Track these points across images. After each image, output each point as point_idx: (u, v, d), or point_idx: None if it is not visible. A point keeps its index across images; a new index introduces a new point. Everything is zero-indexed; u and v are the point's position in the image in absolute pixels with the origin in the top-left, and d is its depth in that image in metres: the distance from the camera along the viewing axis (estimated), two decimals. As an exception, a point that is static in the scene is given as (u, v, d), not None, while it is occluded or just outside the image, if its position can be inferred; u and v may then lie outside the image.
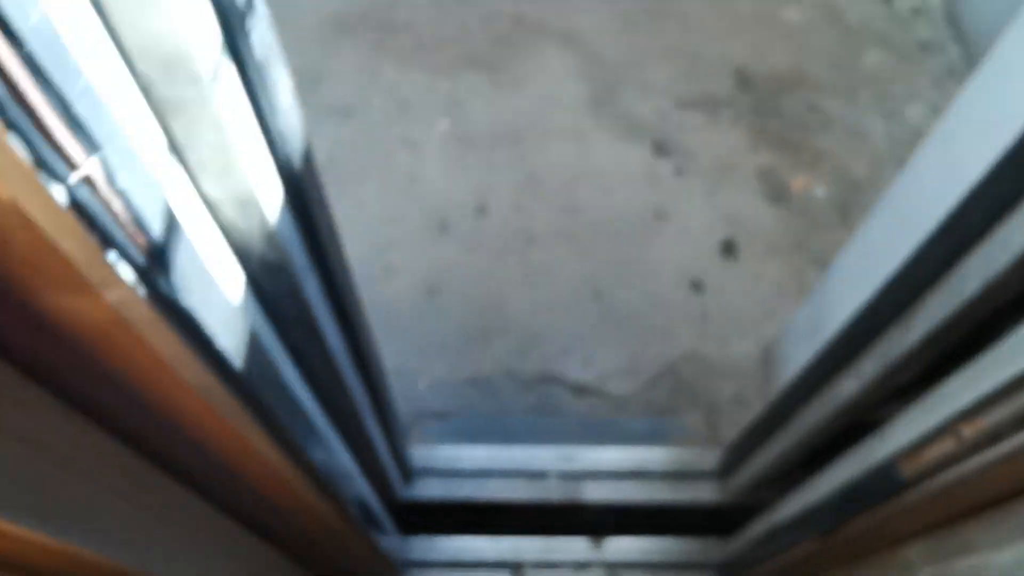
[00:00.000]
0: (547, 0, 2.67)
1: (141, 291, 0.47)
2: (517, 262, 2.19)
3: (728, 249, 2.22)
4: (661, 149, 2.38)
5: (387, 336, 2.07)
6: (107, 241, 0.44)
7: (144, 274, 0.48)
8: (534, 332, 2.10)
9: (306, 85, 2.46)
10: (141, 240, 0.47)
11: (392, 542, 1.69)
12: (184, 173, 0.61)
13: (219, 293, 0.63)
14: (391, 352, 2.05)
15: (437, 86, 2.49)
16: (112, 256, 0.44)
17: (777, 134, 2.43)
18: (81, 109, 0.42)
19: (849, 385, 1.14)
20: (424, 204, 2.27)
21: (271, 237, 0.71)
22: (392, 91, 2.47)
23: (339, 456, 1.15)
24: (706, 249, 2.22)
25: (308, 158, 0.78)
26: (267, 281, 0.77)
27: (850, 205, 2.29)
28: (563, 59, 2.56)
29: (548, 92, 2.49)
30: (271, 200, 0.70)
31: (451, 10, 2.65)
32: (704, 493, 1.78)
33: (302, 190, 0.77)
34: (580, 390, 2.03)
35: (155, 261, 0.49)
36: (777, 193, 2.32)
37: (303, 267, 0.81)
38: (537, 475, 1.88)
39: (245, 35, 0.59)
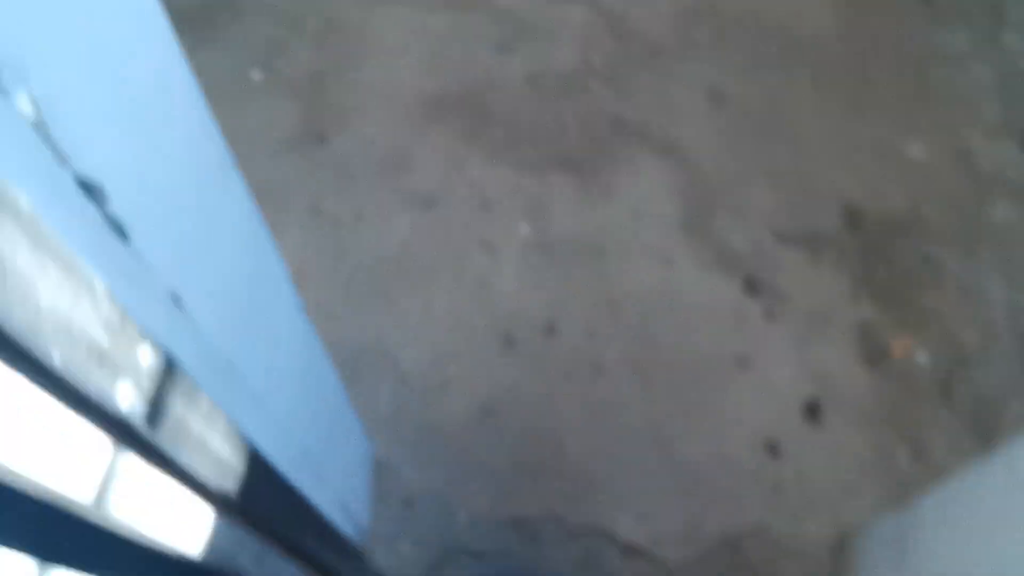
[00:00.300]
0: (651, 105, 2.54)
1: None
2: (581, 393, 2.06)
3: (812, 411, 2.04)
4: (752, 287, 2.21)
5: (433, 458, 1.97)
6: None
7: None
8: (589, 475, 1.96)
9: (391, 169, 2.40)
10: None
11: None
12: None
13: None
14: (435, 475, 1.95)
15: (523, 185, 2.39)
16: None
17: (883, 284, 2.23)
18: None
19: None
20: (492, 314, 2.17)
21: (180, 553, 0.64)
22: (476, 185, 2.38)
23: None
24: (788, 408, 2.04)
25: (248, 471, 0.70)
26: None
27: (955, 380, 2.07)
28: (659, 171, 2.42)
29: (638, 205, 2.36)
30: (181, 534, 0.62)
31: (549, 103, 2.55)
32: None
33: (239, 503, 0.69)
34: (629, 550, 1.88)
35: None
36: (875, 354, 2.12)
37: (231, 551, 0.73)
38: (570, 644, 1.74)
39: (150, 426, 0.51)
